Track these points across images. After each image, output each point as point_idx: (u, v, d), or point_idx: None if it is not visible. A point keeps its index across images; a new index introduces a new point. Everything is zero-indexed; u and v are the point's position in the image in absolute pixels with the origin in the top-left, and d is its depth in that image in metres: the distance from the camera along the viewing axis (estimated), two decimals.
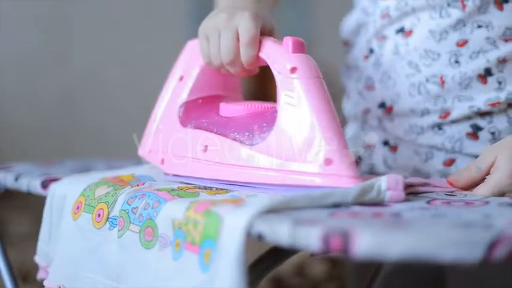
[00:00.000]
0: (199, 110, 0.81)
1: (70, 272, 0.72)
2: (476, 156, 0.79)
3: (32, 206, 2.17)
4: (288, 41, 0.71)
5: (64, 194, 0.77)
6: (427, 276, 0.96)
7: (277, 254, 0.70)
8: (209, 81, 0.83)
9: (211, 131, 0.77)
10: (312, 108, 0.68)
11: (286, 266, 1.88)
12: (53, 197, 0.78)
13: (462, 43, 0.82)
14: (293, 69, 0.70)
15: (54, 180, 0.81)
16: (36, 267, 0.79)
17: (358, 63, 0.94)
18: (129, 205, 0.69)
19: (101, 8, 3.31)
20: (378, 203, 0.65)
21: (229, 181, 0.74)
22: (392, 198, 0.66)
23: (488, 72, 0.81)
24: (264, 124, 0.73)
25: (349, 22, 0.98)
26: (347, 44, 0.99)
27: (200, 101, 0.82)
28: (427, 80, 0.84)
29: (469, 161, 0.82)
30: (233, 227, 0.57)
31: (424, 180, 0.73)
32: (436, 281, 0.93)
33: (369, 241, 0.49)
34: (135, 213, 0.68)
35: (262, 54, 0.74)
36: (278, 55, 0.73)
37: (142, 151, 0.85)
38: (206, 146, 0.77)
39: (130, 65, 3.38)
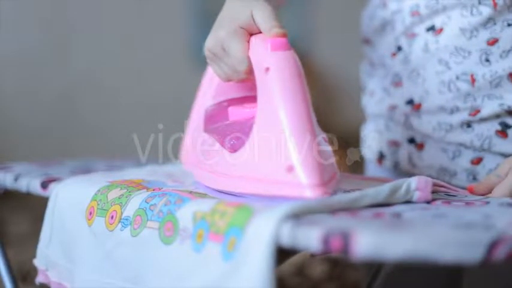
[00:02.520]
0: (218, 114, 0.78)
1: (91, 279, 0.71)
2: (504, 155, 0.82)
3: (31, 206, 2.17)
4: (268, 40, 0.67)
5: (69, 198, 0.76)
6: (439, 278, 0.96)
7: (277, 254, 0.70)
8: (233, 83, 0.78)
9: (214, 137, 0.74)
10: (281, 111, 0.64)
11: (286, 266, 1.87)
12: (55, 200, 0.77)
13: (493, 41, 0.82)
14: (267, 69, 0.66)
15: (54, 180, 0.81)
16: (35, 267, 0.78)
17: (384, 61, 0.94)
18: (147, 203, 0.68)
19: (101, 8, 3.31)
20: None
21: (217, 190, 0.71)
22: (420, 198, 0.67)
23: None
24: (247, 129, 0.69)
25: (372, 20, 0.98)
26: (368, 42, 1.00)
27: (226, 103, 0.79)
28: (458, 78, 0.84)
29: (497, 160, 0.83)
30: (266, 217, 0.55)
31: (443, 183, 0.74)
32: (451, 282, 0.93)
33: (369, 241, 0.49)
34: (153, 210, 0.66)
35: (250, 55, 0.70)
36: (258, 55, 0.69)
37: (182, 158, 0.83)
38: (209, 153, 0.74)
39: (130, 65, 3.37)
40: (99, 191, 0.74)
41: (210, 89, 0.80)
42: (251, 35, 0.70)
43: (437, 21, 0.86)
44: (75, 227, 0.74)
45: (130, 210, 0.69)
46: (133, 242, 0.67)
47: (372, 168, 1.02)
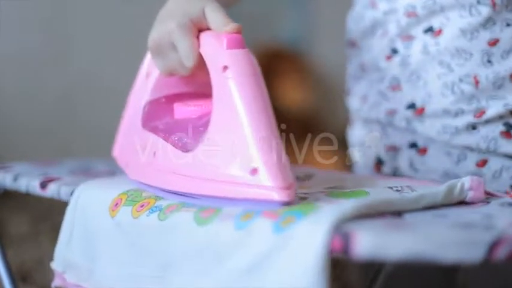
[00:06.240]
0: (159, 111, 0.75)
1: (112, 273, 0.67)
2: (509, 156, 0.82)
3: (31, 206, 2.16)
4: (223, 37, 0.65)
5: (94, 195, 0.72)
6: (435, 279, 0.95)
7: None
8: (173, 79, 0.76)
9: (159, 135, 0.72)
10: (242, 111, 0.62)
11: None
12: (77, 199, 0.73)
13: (493, 42, 0.81)
14: (225, 68, 0.64)
15: (53, 180, 0.81)
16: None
17: (378, 64, 0.92)
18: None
19: (101, 8, 3.31)
20: None
21: (167, 190, 0.68)
22: (474, 198, 0.66)
23: None
24: (201, 128, 0.67)
25: (360, 21, 0.95)
26: (355, 45, 0.97)
27: (164, 99, 0.76)
28: (461, 80, 0.83)
29: (502, 161, 0.83)
30: (330, 210, 0.55)
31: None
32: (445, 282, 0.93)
33: (370, 242, 0.49)
34: (194, 204, 0.63)
35: (201, 51, 0.68)
36: (213, 52, 0.66)
37: (115, 152, 0.81)
38: (154, 152, 0.71)
39: (130, 65, 3.37)
40: (132, 189, 0.71)
41: (147, 83, 0.77)
42: (199, 31, 0.68)
43: (435, 22, 0.85)
44: (97, 222, 0.70)
45: (166, 202, 0.65)
46: (160, 227, 0.63)
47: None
